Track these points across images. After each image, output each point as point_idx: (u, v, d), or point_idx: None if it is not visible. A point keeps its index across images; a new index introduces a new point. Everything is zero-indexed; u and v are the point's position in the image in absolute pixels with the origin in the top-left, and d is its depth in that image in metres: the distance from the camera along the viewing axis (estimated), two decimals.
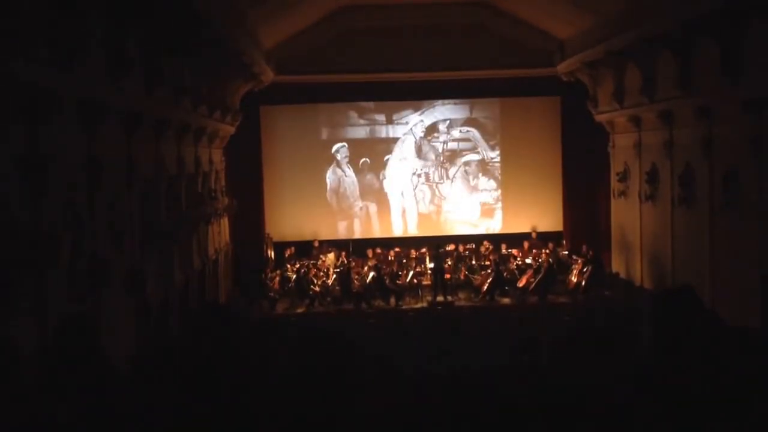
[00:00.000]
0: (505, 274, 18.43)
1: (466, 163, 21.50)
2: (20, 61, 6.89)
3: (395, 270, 18.82)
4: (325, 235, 20.91)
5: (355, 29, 19.83)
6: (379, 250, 19.81)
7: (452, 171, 21.53)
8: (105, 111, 9.19)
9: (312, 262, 19.33)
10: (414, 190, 21.50)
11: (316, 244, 20.26)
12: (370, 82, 20.42)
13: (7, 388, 5.58)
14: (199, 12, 11.61)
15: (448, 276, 18.65)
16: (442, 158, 21.49)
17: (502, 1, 19.15)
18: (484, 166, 21.50)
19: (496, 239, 20.41)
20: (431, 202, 21.53)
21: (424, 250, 19.72)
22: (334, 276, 18.74)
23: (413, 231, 21.37)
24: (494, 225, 21.51)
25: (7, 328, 6.61)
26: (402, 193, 21.46)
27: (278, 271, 18.91)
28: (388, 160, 21.41)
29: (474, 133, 21.43)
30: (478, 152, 21.45)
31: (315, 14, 19.10)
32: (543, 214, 21.31)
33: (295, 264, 19.11)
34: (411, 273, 18.61)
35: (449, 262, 19.08)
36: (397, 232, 21.41)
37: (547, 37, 19.90)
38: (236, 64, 16.26)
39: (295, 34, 19.52)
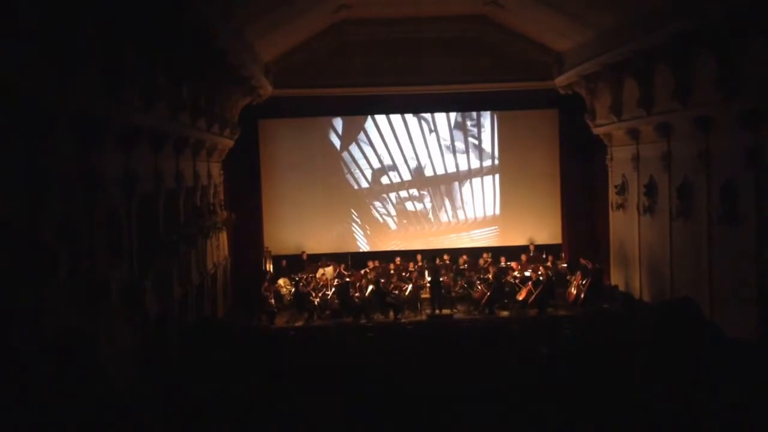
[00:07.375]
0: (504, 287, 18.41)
1: (466, 175, 21.51)
2: (19, 74, 6.90)
3: (394, 283, 18.77)
4: (324, 248, 20.87)
5: (353, 43, 19.91)
6: (378, 263, 19.77)
7: (452, 183, 21.56)
8: (103, 125, 9.20)
9: (311, 275, 19.30)
10: (412, 201, 21.48)
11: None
12: (369, 95, 20.46)
13: (6, 400, 5.57)
14: (198, 26, 11.65)
15: (447, 281, 18.58)
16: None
17: (500, 15, 19.22)
18: (482, 179, 21.51)
19: (494, 252, 20.37)
20: (430, 214, 21.50)
21: (421, 263, 19.69)
22: (333, 289, 18.72)
23: (412, 244, 21.31)
24: (492, 238, 21.47)
25: (6, 342, 6.58)
26: (401, 204, 21.46)
27: (277, 284, 18.89)
28: (387, 169, 21.44)
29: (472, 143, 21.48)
30: (477, 163, 21.48)
31: (313, 28, 19.17)
32: (541, 227, 21.30)
33: (293, 278, 19.09)
34: (410, 286, 18.57)
35: (449, 275, 19.03)
36: (396, 244, 21.37)
37: (544, 50, 19.98)
38: (235, 78, 16.31)
39: (293, 48, 19.60)
